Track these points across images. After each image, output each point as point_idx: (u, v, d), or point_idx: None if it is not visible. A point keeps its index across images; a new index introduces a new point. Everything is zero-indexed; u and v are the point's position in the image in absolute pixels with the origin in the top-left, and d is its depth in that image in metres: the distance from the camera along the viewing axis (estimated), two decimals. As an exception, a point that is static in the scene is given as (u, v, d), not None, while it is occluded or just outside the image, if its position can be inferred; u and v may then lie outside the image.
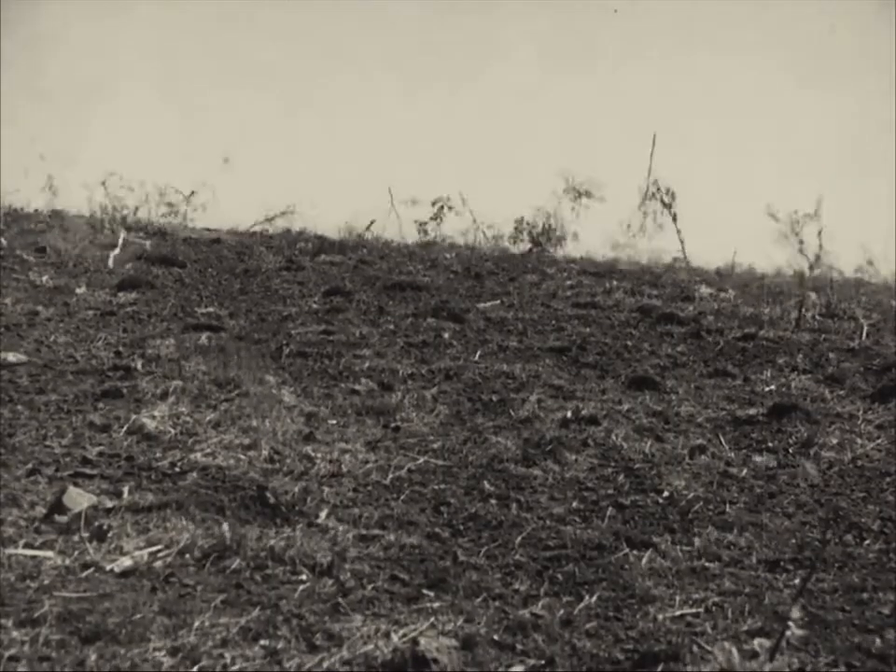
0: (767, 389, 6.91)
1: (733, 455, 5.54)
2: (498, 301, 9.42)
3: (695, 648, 3.37)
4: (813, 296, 10.35)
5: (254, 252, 11.67)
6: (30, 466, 4.70)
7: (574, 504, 4.75)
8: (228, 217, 13.76)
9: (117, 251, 10.59)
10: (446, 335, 7.98)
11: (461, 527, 4.40)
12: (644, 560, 4.12)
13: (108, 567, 3.71)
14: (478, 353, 7.52)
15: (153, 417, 5.48)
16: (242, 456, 5.03)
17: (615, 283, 10.81)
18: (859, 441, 5.82)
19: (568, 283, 10.80)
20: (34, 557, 3.76)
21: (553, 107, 18.38)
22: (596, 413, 6.08)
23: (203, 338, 7.42)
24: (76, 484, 4.42)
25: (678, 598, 3.78)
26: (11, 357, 6.43)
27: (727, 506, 4.78)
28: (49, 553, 3.80)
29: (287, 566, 3.84)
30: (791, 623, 3.24)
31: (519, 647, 3.36)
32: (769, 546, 4.33)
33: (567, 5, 18.38)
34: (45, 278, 9.12)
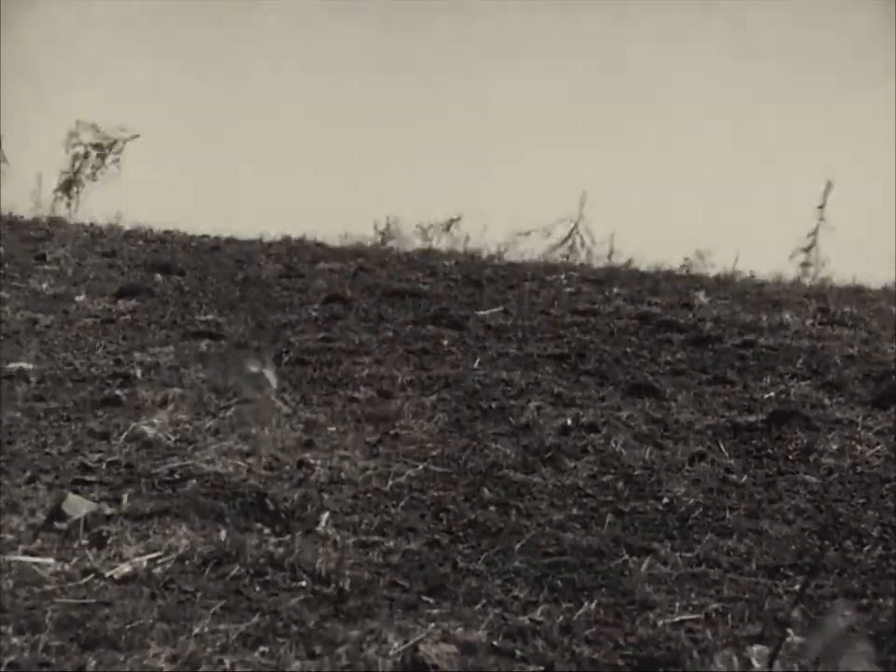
0: (767, 396, 6.91)
1: (732, 461, 5.54)
2: (498, 309, 9.42)
3: (695, 654, 3.37)
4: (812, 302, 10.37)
5: (253, 259, 11.67)
6: (29, 473, 4.70)
7: (574, 511, 4.75)
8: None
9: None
10: (445, 342, 7.98)
11: (461, 534, 4.41)
12: (644, 566, 4.12)
13: (108, 574, 3.72)
14: (477, 360, 7.52)
15: (152, 425, 5.48)
16: (241, 463, 5.03)
17: (614, 290, 10.82)
18: (858, 447, 5.82)
19: (567, 290, 10.80)
20: (33, 564, 3.76)
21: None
22: (596, 421, 6.08)
23: (203, 345, 7.43)
24: (75, 491, 4.42)
25: (677, 604, 3.78)
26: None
27: (727, 512, 4.78)
28: (49, 560, 3.80)
29: (286, 572, 3.84)
30: (790, 630, 3.24)
31: (519, 653, 3.36)
32: (769, 552, 4.34)
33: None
34: (44, 286, 9.13)
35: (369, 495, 4.79)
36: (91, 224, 13.16)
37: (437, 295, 9.94)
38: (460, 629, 3.48)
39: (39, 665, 3.08)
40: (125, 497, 4.48)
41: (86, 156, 13.02)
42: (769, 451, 5.76)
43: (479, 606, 3.69)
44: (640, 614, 3.70)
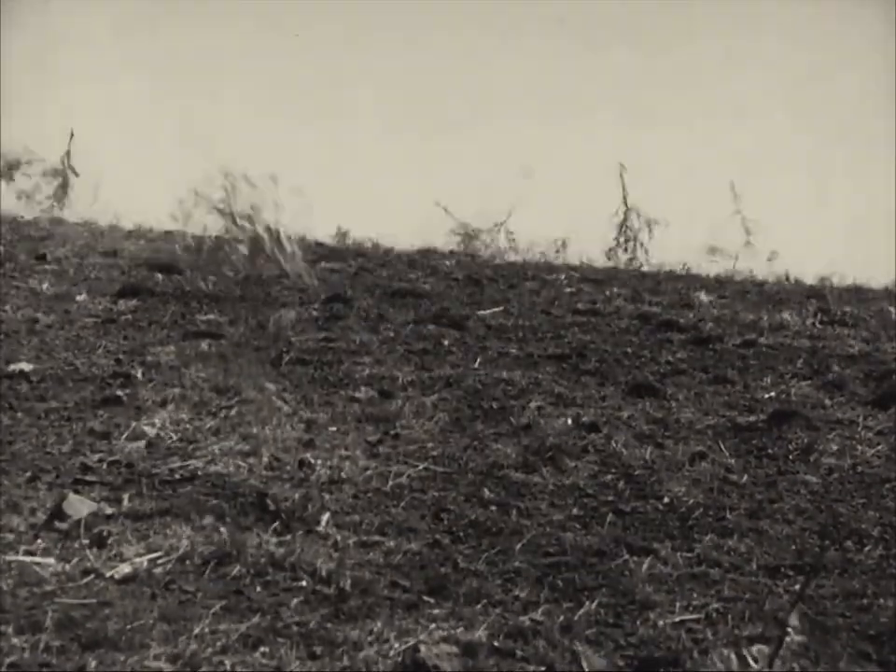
0: (767, 396, 6.90)
1: (733, 461, 5.54)
2: (498, 309, 9.42)
3: (696, 654, 3.37)
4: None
5: (254, 259, 11.67)
6: (30, 473, 4.71)
7: (574, 511, 4.75)
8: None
9: None
10: (446, 342, 7.98)
11: (461, 534, 4.41)
12: (644, 566, 4.12)
13: (108, 574, 3.72)
14: (478, 360, 7.52)
15: (153, 424, 5.48)
16: (242, 463, 5.03)
17: (615, 290, 10.82)
18: (859, 447, 5.82)
19: (568, 290, 10.80)
20: (34, 563, 3.76)
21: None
22: (596, 420, 6.08)
23: (203, 345, 7.43)
24: (76, 491, 4.42)
25: (678, 604, 3.78)
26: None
27: (727, 512, 4.78)
28: (50, 560, 3.81)
29: (287, 572, 3.85)
30: (790, 630, 3.24)
31: (519, 653, 3.36)
32: (769, 552, 4.34)
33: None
34: (45, 285, 9.13)
35: (369, 494, 4.79)
36: (92, 223, 13.15)
37: (438, 295, 9.94)
38: (461, 629, 3.48)
39: (40, 666, 3.09)
40: (126, 496, 4.48)
41: None
42: (770, 451, 5.76)
43: (480, 606, 3.69)
44: (641, 614, 3.70)
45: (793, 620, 3.22)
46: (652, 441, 5.83)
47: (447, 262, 12.16)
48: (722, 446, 5.78)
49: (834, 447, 5.81)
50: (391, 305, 9.29)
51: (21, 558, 3.80)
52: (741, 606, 3.79)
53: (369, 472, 5.07)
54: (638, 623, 3.63)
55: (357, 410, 6.12)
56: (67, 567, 3.77)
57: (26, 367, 6.45)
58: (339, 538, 4.23)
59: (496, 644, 3.39)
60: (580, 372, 7.37)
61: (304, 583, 3.77)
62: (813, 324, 9.38)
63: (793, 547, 4.40)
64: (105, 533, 4.04)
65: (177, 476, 4.82)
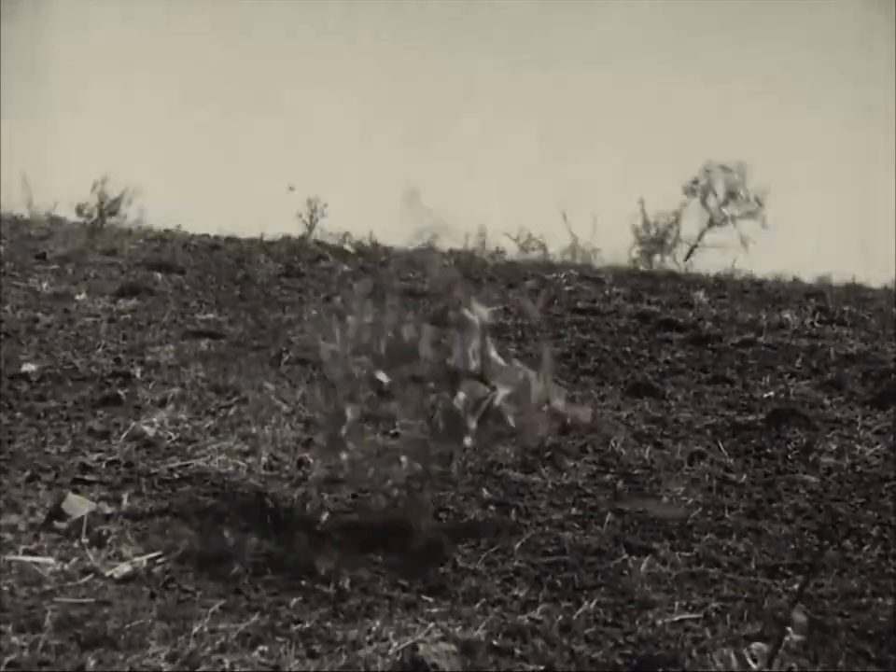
0: (766, 395, 6.91)
1: (731, 461, 5.55)
2: (498, 308, 9.42)
3: (694, 653, 3.37)
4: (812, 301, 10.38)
5: (253, 259, 11.69)
6: (29, 472, 4.71)
7: (573, 510, 4.75)
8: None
9: None
10: (446, 342, 7.96)
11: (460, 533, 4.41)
12: (643, 566, 4.12)
13: (108, 573, 3.72)
14: (477, 359, 7.51)
15: (152, 424, 5.48)
16: (241, 463, 5.04)
17: (614, 289, 10.83)
18: (858, 446, 5.82)
19: (567, 289, 10.82)
20: (33, 563, 3.76)
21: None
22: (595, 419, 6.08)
23: (203, 344, 7.43)
24: (75, 491, 4.42)
25: (677, 604, 3.78)
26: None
27: (726, 512, 4.78)
28: (49, 559, 3.81)
29: (286, 572, 3.84)
30: (789, 629, 3.24)
31: (518, 652, 3.36)
32: (768, 552, 4.34)
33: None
34: (45, 285, 9.13)
35: (368, 494, 4.79)
36: (92, 223, 13.16)
37: (437, 294, 9.93)
38: (460, 628, 3.48)
39: (39, 664, 3.09)
40: (125, 496, 4.48)
41: None
42: (768, 450, 5.76)
43: (478, 605, 3.69)
44: (640, 613, 3.69)
45: (797, 616, 3.22)
46: (651, 440, 5.84)
47: (446, 262, 12.16)
48: (721, 446, 5.78)
49: (833, 447, 5.81)
50: (390, 304, 9.28)
51: (20, 558, 3.80)
52: (740, 605, 3.79)
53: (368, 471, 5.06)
54: (637, 622, 3.63)
55: (356, 409, 6.11)
56: (66, 566, 3.77)
57: (25, 367, 6.45)
58: (338, 537, 4.22)
59: (494, 643, 3.40)
60: (578, 372, 7.38)
61: (303, 583, 3.77)
62: (812, 323, 9.39)
63: (792, 546, 4.40)
64: (104, 532, 4.04)
65: (176, 475, 4.82)
